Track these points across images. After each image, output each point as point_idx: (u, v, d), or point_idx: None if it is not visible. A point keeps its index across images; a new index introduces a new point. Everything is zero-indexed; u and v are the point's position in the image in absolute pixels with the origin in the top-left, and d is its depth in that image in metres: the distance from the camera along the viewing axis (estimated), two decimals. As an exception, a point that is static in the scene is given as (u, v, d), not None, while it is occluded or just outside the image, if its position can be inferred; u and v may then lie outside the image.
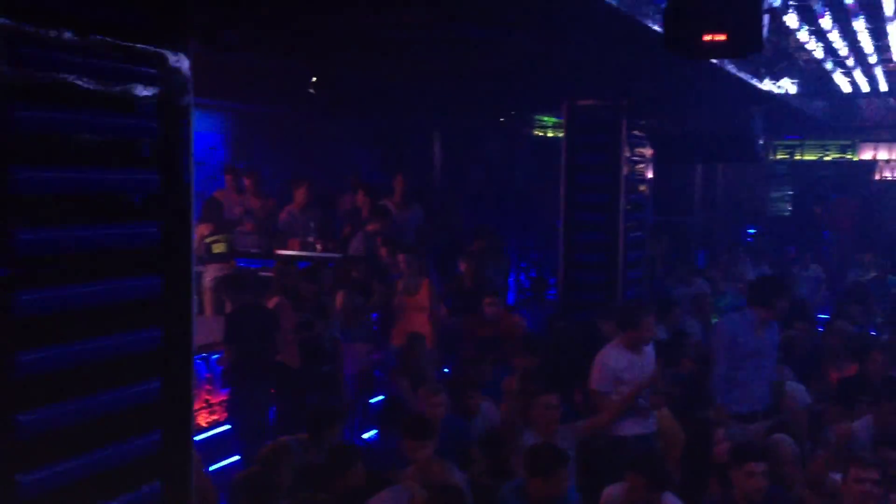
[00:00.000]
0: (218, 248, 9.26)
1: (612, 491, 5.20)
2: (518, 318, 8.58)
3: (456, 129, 14.93)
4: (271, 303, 7.51)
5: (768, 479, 5.04)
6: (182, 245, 3.23)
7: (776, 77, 12.42)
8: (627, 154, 10.41)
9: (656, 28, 6.44)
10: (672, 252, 13.31)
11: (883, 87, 14.72)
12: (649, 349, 6.36)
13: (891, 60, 12.56)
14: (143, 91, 2.96)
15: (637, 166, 10.96)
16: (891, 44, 11.17)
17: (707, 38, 4.37)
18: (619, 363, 6.15)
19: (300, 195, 10.41)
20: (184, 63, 3.10)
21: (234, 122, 12.79)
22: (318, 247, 10.26)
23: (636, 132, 10.76)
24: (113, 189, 2.93)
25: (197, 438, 3.40)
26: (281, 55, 8.17)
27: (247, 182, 10.72)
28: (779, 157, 19.57)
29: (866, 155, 18.93)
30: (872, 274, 13.63)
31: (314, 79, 8.88)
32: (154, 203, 3.06)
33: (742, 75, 10.10)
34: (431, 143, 14.97)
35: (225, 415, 7.51)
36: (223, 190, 10.63)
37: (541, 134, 16.84)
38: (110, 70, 2.83)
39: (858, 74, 13.60)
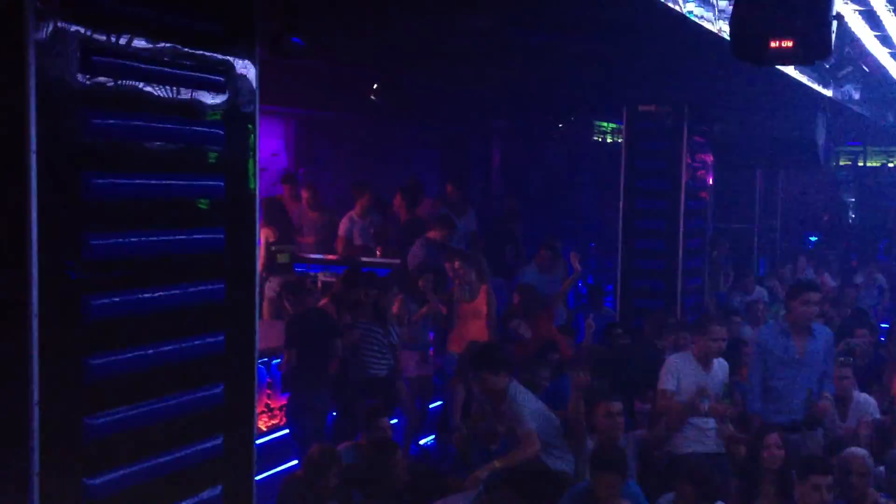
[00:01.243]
0: (282, 259, 9.35)
1: (664, 500, 5.19)
2: (565, 340, 8.50)
3: (516, 135, 14.88)
4: (321, 304, 7.55)
5: (833, 492, 4.93)
6: (246, 251, 3.25)
7: (840, 83, 12.16)
8: (688, 160, 10.27)
9: (718, 32, 6.34)
10: (732, 260, 13.08)
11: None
12: (718, 367, 6.26)
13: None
14: (210, 98, 2.99)
15: (697, 172, 10.79)
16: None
17: (774, 44, 4.28)
18: (682, 371, 6.14)
19: (361, 202, 10.46)
20: (251, 70, 3.13)
21: (296, 128, 12.91)
22: (378, 252, 10.29)
23: (697, 138, 10.61)
24: (180, 195, 2.96)
25: (257, 442, 3.42)
26: (345, 62, 8.22)
27: (304, 194, 10.80)
28: (841, 163, 19.16)
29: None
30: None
31: (376, 86, 8.91)
32: (220, 209, 3.09)
33: (805, 80, 9.88)
34: (491, 148, 14.94)
35: (284, 419, 7.56)
36: (281, 196, 10.72)
37: (600, 140, 16.71)
38: (179, 78, 2.86)
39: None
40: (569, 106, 12.65)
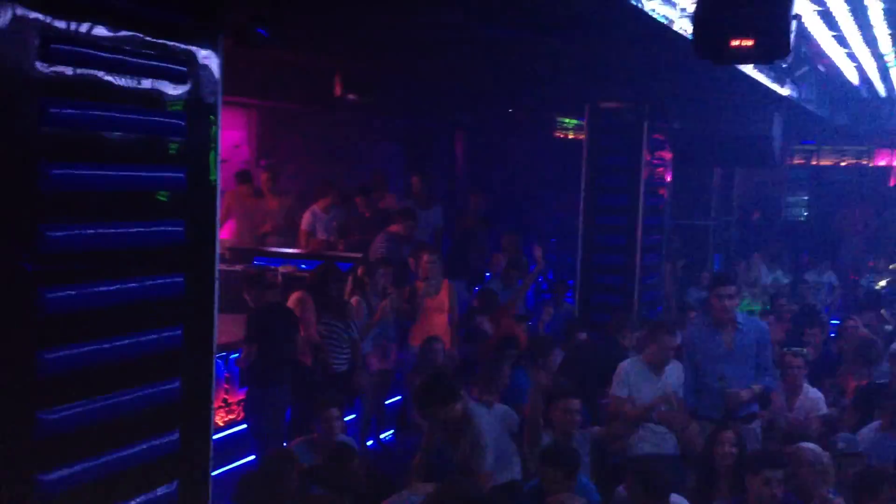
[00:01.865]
0: None
1: (618, 494, 5.27)
2: (522, 330, 8.56)
3: (479, 130, 14.90)
4: (293, 298, 7.48)
5: (784, 486, 5.00)
6: (207, 244, 3.20)
7: (796, 82, 12.33)
8: (648, 157, 10.36)
9: (680, 31, 6.39)
10: (687, 256, 13.25)
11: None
12: (671, 370, 6.31)
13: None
14: (172, 89, 2.94)
15: (657, 169, 10.90)
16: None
17: (735, 43, 4.33)
18: (633, 378, 6.19)
19: (325, 197, 10.45)
20: (214, 61, 3.08)
21: (259, 119, 12.78)
22: (340, 246, 10.24)
23: (656, 135, 10.71)
24: (140, 187, 2.91)
25: (214, 438, 3.38)
26: (310, 53, 8.15)
27: (263, 177, 10.72)
28: (796, 161, 19.45)
29: (882, 161, 18.83)
30: (885, 280, 13.56)
31: (340, 78, 8.86)
32: (180, 201, 3.04)
33: (763, 79, 10.01)
34: (454, 142, 14.94)
35: (242, 414, 7.49)
36: (236, 191, 10.61)
37: (562, 136, 16.79)
38: (140, 67, 2.81)
39: (877, 81, 13.50)
40: (532, 101, 12.70)
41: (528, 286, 9.84)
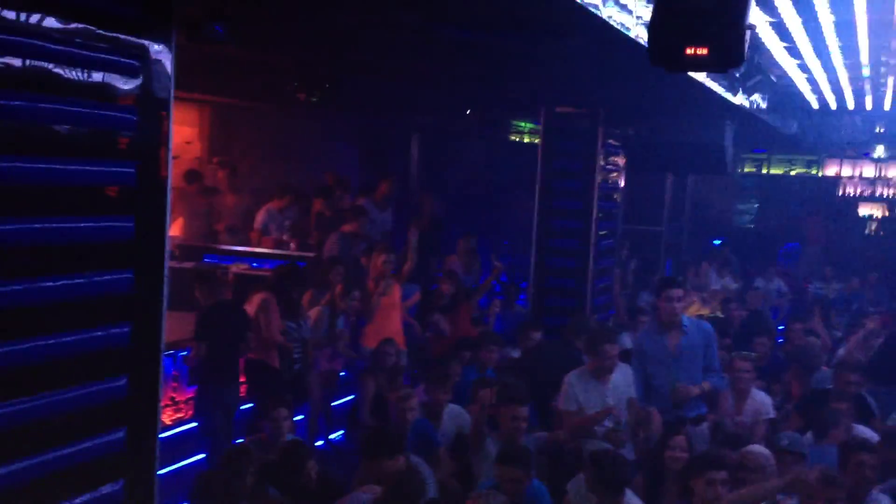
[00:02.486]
0: None
1: (573, 484, 5.28)
2: (475, 329, 8.62)
3: (435, 132, 14.91)
4: (256, 299, 7.40)
5: (729, 487, 5.07)
6: (156, 240, 3.17)
7: (749, 91, 12.53)
8: (602, 162, 10.46)
9: (635, 38, 6.46)
10: (638, 260, 13.40)
11: (850, 105, 14.93)
12: (618, 377, 6.33)
13: (860, 78, 12.72)
14: (123, 83, 2.90)
15: (610, 175, 11.01)
16: (861, 61, 11.31)
17: (690, 51, 4.38)
18: (580, 389, 6.20)
19: (283, 198, 10.44)
20: (166, 56, 3.04)
21: (212, 116, 12.65)
22: (293, 246, 10.19)
23: (611, 141, 10.81)
24: (88, 181, 2.87)
25: (161, 436, 3.34)
26: (266, 51, 8.09)
27: (220, 175, 10.64)
28: (746, 170, 19.77)
29: (831, 171, 19.21)
30: (835, 287, 13.84)
31: (296, 77, 8.82)
32: (129, 197, 3.01)
33: (716, 88, 10.16)
34: (410, 144, 14.93)
35: (190, 413, 7.41)
36: (186, 188, 10.50)
37: (517, 139, 16.87)
38: (91, 60, 2.77)
39: (828, 92, 13.76)
40: (488, 105, 12.75)
41: (487, 287, 9.87)
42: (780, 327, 10.83)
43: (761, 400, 6.93)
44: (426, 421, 6.19)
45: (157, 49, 3.02)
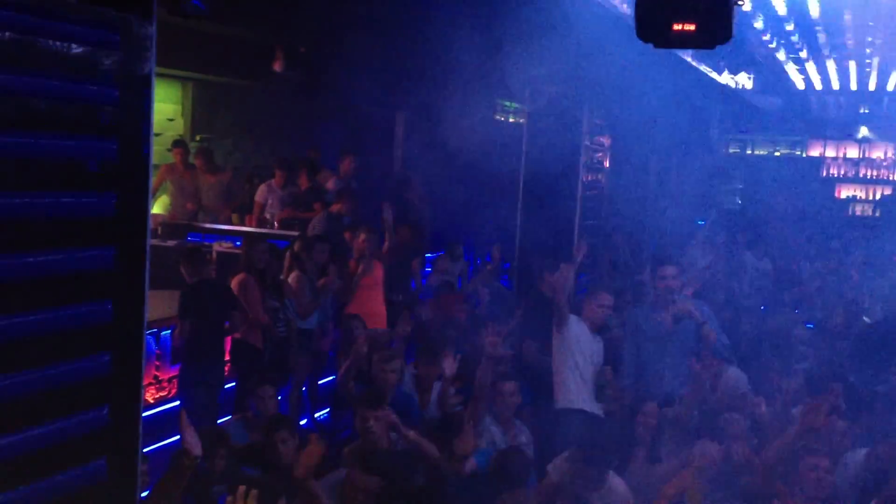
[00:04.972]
0: None
1: (550, 469, 5.31)
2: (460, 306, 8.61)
3: (419, 111, 14.82)
4: (236, 280, 7.38)
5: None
6: (138, 216, 3.13)
7: (734, 71, 12.55)
8: (587, 142, 10.46)
9: (622, 15, 6.44)
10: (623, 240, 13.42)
11: (835, 85, 14.99)
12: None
13: (845, 58, 12.77)
14: (104, 57, 2.86)
15: (595, 155, 11.01)
16: (846, 41, 11.35)
17: (677, 27, 4.38)
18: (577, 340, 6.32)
19: (282, 174, 10.39)
20: (148, 30, 3.00)
21: (195, 93, 12.55)
22: (276, 224, 10.15)
23: (596, 120, 10.81)
24: (69, 156, 2.83)
25: (145, 415, 3.32)
26: (247, 26, 8.02)
27: (197, 162, 10.58)
28: (731, 150, 19.82)
29: (815, 151, 19.27)
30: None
31: (279, 54, 8.74)
32: (110, 172, 2.97)
33: (702, 68, 10.17)
34: (394, 123, 14.85)
35: (173, 391, 7.39)
36: (170, 165, 10.44)
37: (503, 119, 16.82)
38: (71, 33, 2.73)
39: (812, 72, 13.80)
40: (474, 84, 12.68)
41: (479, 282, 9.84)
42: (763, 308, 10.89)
43: (736, 376, 6.99)
44: (411, 396, 6.20)
45: (138, 23, 2.97)
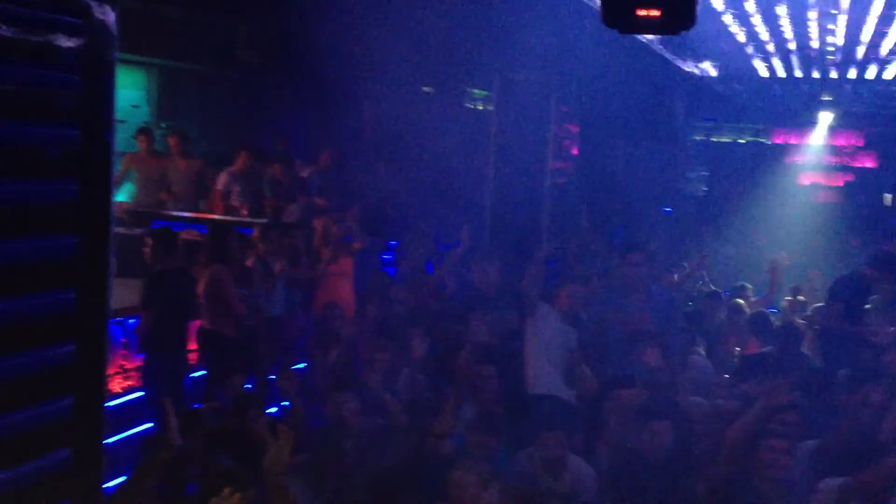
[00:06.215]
0: None
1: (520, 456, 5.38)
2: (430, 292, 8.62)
3: (387, 99, 14.76)
4: (210, 271, 7.30)
5: (672, 436, 5.23)
6: (101, 204, 3.10)
7: (699, 59, 12.65)
8: (555, 129, 10.50)
9: (588, 4, 6.47)
10: (591, 227, 13.49)
11: (798, 73, 15.13)
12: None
13: (808, 47, 12.89)
14: (65, 42, 2.82)
15: (563, 142, 11.06)
16: (809, 31, 11.46)
17: (642, 13, 4.39)
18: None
19: (242, 158, 10.25)
20: (110, 15, 2.96)
21: (160, 79, 12.39)
22: (244, 212, 10.07)
23: (563, 107, 10.85)
24: (30, 143, 2.80)
25: (109, 404, 3.30)
26: (212, 11, 7.95)
27: (172, 142, 10.44)
28: (696, 137, 19.95)
29: (779, 139, 19.45)
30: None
31: (243, 39, 8.67)
32: (73, 159, 2.94)
33: (668, 55, 10.24)
34: (362, 110, 14.77)
35: (140, 381, 7.33)
36: (135, 153, 10.32)
37: (472, 107, 16.81)
38: (32, 18, 2.69)
39: (776, 59, 13.93)
40: (442, 71, 12.67)
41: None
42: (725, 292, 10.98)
43: (703, 364, 7.08)
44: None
45: (100, 8, 2.94)
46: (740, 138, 19.83)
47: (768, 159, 19.29)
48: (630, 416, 5.62)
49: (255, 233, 8.24)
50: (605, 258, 11.47)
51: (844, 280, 7.92)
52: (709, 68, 13.38)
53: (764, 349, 7.47)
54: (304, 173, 10.74)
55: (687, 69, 11.43)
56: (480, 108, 16.54)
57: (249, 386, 7.19)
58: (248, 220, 9.66)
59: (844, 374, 6.40)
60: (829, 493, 4.75)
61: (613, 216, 15.22)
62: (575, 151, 12.17)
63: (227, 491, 3.78)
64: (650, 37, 10.19)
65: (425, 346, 6.15)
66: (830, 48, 12.91)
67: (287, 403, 5.71)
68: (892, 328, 7.21)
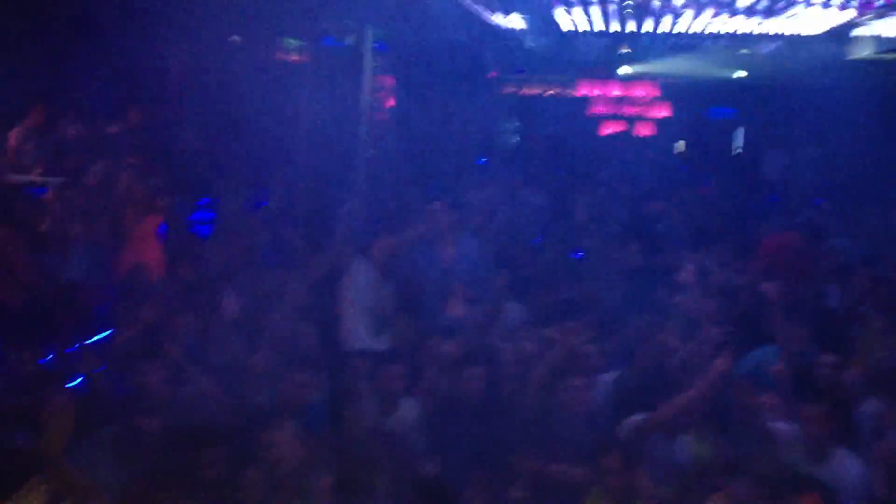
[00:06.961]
0: None
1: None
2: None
3: (193, 51, 14.10)
4: None
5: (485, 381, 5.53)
6: None
7: (507, 11, 12.87)
8: (369, 81, 10.45)
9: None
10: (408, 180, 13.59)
11: (598, 26, 15.64)
12: None
13: (607, 1, 13.31)
14: None
15: (378, 94, 11.04)
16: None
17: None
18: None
19: (35, 115, 9.58)
20: None
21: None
22: (39, 171, 9.48)
23: (378, 59, 10.81)
24: None
25: None
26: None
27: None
28: (506, 90, 20.37)
29: (582, 92, 20.16)
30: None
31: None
32: None
33: (476, 8, 10.39)
34: (168, 68, 14.06)
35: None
36: None
37: (283, 58, 16.40)
38: None
39: (578, 13, 14.29)
40: (251, 21, 12.26)
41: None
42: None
43: (515, 310, 7.35)
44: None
45: None
46: (547, 91, 20.40)
47: (573, 111, 19.98)
48: (445, 364, 5.80)
49: (49, 193, 7.78)
50: (419, 210, 11.61)
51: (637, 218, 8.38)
52: (517, 21, 13.61)
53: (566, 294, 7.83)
54: (111, 130, 10.22)
55: (496, 22, 11.63)
56: (295, 58, 16.18)
57: (50, 357, 6.87)
58: (42, 179, 9.11)
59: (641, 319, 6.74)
60: (629, 429, 5.12)
61: (428, 168, 15.41)
62: (392, 103, 12.20)
63: (32, 481, 3.61)
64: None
65: (237, 306, 6.06)
66: (627, 2, 13.40)
67: (87, 376, 5.50)
68: (690, 266, 7.58)
